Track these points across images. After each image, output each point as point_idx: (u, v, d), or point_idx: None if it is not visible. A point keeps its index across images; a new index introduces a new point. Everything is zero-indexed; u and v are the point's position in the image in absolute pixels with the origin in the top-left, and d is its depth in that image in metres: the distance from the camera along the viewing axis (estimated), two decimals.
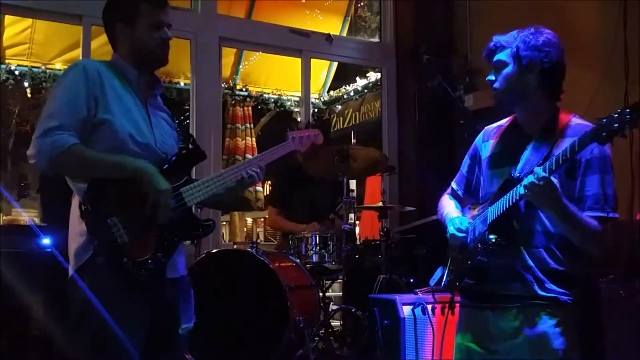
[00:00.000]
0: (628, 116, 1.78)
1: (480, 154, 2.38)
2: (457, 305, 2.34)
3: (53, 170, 2.17)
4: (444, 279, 2.38)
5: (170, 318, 2.29)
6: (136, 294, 2.13)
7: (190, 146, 2.38)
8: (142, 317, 2.16)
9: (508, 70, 2.20)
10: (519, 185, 2.02)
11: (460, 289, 2.31)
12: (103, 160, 2.15)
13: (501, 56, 2.21)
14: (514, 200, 2.06)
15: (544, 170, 1.95)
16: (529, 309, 2.12)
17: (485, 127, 2.44)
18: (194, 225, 2.33)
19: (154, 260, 2.13)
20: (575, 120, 2.19)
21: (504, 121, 2.37)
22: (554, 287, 2.12)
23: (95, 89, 2.18)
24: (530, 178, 1.96)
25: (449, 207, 2.43)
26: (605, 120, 1.83)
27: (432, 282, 2.49)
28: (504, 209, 2.10)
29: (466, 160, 2.46)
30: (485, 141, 2.38)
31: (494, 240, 2.12)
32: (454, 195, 2.50)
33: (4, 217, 6.76)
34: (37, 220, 5.54)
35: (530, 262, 2.13)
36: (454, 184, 2.51)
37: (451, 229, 2.29)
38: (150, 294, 2.17)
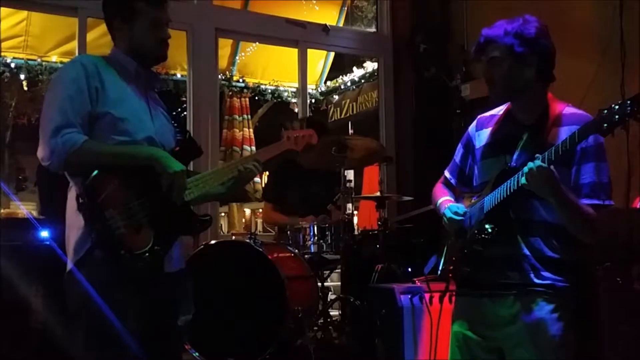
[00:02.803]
0: (629, 108, 1.79)
1: (474, 143, 2.37)
2: (453, 294, 2.36)
3: (67, 169, 2.18)
4: (439, 267, 2.40)
5: (169, 311, 2.30)
6: (134, 287, 2.13)
7: (187, 142, 2.38)
8: (140, 310, 2.16)
9: (504, 66, 2.17)
10: (517, 175, 2.03)
11: (456, 277, 2.32)
12: (115, 152, 2.17)
13: (495, 52, 2.18)
14: (511, 190, 2.06)
15: (543, 160, 1.95)
16: (526, 296, 2.13)
17: (479, 116, 2.43)
18: (191, 220, 2.33)
19: (152, 253, 2.14)
20: (569, 109, 2.19)
21: (498, 110, 2.36)
22: (550, 274, 2.13)
23: (95, 82, 2.18)
24: (531, 165, 1.96)
25: (443, 195, 2.44)
26: (606, 111, 1.83)
27: (427, 270, 2.50)
28: (501, 198, 2.11)
29: (459, 149, 2.46)
30: (479, 130, 2.37)
31: (490, 230, 2.14)
32: (446, 184, 2.50)
33: (2, 211, 6.76)
34: (35, 214, 5.54)
35: (527, 251, 2.14)
36: (446, 173, 2.51)
37: (448, 213, 2.29)
38: (148, 287, 2.18)
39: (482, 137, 2.34)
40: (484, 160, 2.30)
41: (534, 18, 2.20)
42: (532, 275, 2.13)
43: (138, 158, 2.18)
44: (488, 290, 2.20)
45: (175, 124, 2.42)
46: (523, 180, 1.99)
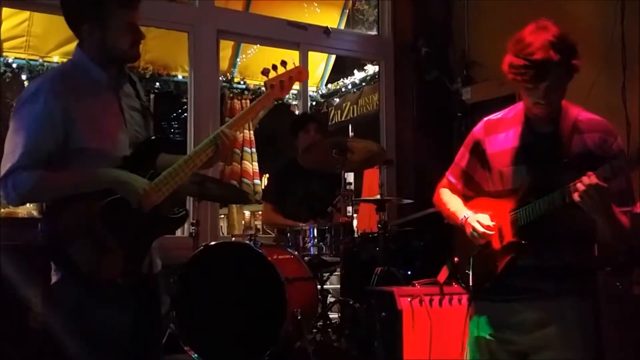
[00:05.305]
0: None
1: (484, 148, 2.29)
2: (465, 297, 2.34)
3: (27, 203, 2.17)
4: (458, 276, 2.35)
5: (153, 311, 2.30)
6: (114, 300, 2.13)
7: (153, 137, 2.30)
8: (124, 316, 2.16)
9: (563, 82, 2.10)
10: (561, 191, 1.99)
11: (480, 286, 2.27)
12: (76, 182, 2.11)
13: (557, 71, 2.06)
14: (554, 206, 2.02)
15: (599, 177, 1.91)
16: (551, 302, 2.13)
17: (486, 119, 2.35)
18: (163, 222, 2.25)
19: (124, 274, 2.11)
20: (583, 114, 2.17)
21: (506, 112, 2.30)
22: (576, 282, 2.13)
23: (67, 114, 2.10)
24: (586, 182, 1.91)
25: (454, 202, 2.37)
26: None
27: (441, 277, 2.46)
28: (540, 212, 2.07)
29: (464, 153, 2.38)
30: (490, 135, 2.29)
31: (523, 242, 2.12)
32: (452, 189, 2.42)
33: (3, 210, 6.75)
34: (35, 213, 5.54)
35: (553, 257, 2.13)
36: (450, 177, 2.43)
37: (479, 228, 2.18)
38: (130, 295, 2.17)
39: (495, 142, 2.26)
40: (504, 168, 2.22)
41: (549, 22, 2.15)
42: (557, 282, 2.13)
43: (100, 184, 2.12)
44: (514, 295, 2.18)
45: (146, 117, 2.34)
46: (573, 197, 1.93)
